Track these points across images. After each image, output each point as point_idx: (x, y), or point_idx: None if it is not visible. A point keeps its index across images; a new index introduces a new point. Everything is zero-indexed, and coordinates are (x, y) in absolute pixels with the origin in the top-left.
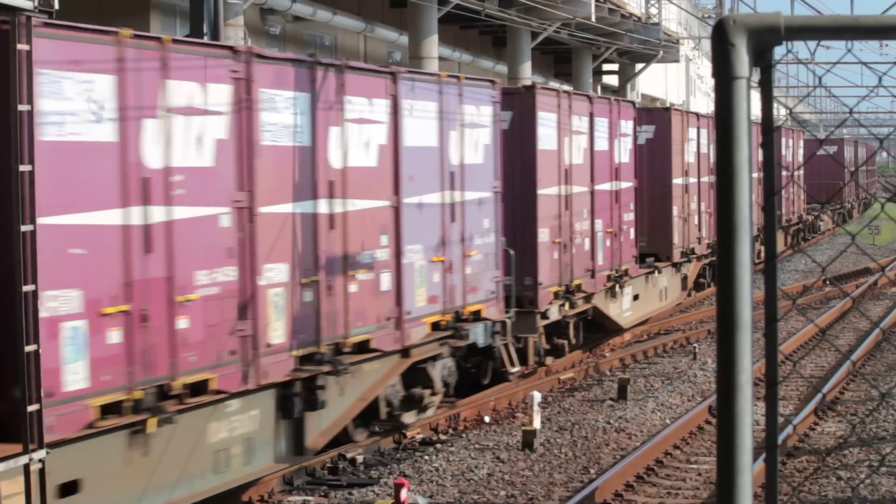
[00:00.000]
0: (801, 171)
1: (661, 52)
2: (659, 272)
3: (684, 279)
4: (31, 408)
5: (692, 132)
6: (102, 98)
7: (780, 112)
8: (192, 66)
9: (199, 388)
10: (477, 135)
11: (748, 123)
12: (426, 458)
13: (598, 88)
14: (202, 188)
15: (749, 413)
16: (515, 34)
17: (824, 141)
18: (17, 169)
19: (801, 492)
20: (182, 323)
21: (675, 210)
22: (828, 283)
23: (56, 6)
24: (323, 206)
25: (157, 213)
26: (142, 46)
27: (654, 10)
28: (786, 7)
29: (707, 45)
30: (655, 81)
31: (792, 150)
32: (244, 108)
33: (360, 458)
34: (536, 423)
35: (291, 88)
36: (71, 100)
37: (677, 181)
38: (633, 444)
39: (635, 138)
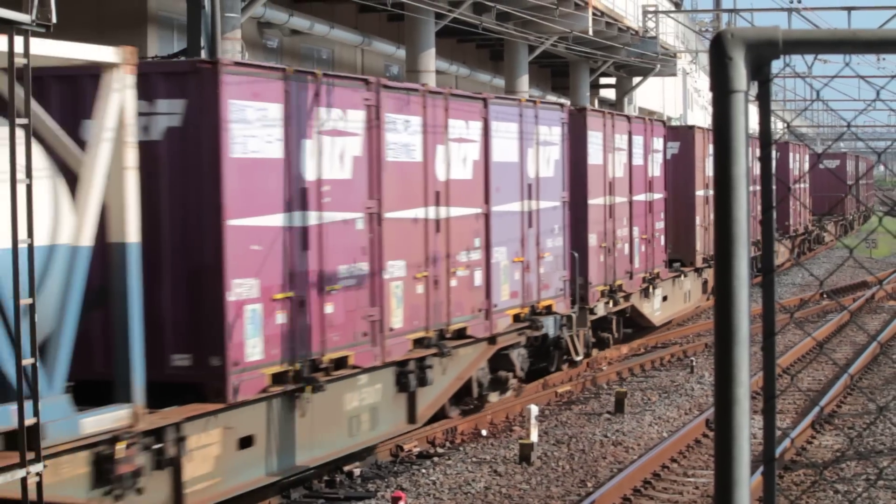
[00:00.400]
0: (807, 185)
1: (659, 66)
2: (684, 276)
3: (705, 283)
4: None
5: (712, 148)
6: (273, 122)
7: (777, 126)
8: (336, 95)
9: (340, 363)
10: (549, 151)
11: (746, 137)
12: (423, 471)
13: (596, 102)
14: (343, 197)
15: (747, 426)
16: (512, 48)
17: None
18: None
19: None
20: (329, 308)
21: (698, 219)
22: (825, 296)
23: (54, 20)
24: (431, 213)
25: (312, 217)
26: (301, 80)
27: (651, 24)
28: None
29: (704, 58)
30: (653, 95)
31: (799, 164)
32: (374, 130)
33: (357, 472)
34: (534, 437)
35: (408, 113)
36: (251, 124)
37: (699, 193)
38: (631, 458)
39: (665, 154)
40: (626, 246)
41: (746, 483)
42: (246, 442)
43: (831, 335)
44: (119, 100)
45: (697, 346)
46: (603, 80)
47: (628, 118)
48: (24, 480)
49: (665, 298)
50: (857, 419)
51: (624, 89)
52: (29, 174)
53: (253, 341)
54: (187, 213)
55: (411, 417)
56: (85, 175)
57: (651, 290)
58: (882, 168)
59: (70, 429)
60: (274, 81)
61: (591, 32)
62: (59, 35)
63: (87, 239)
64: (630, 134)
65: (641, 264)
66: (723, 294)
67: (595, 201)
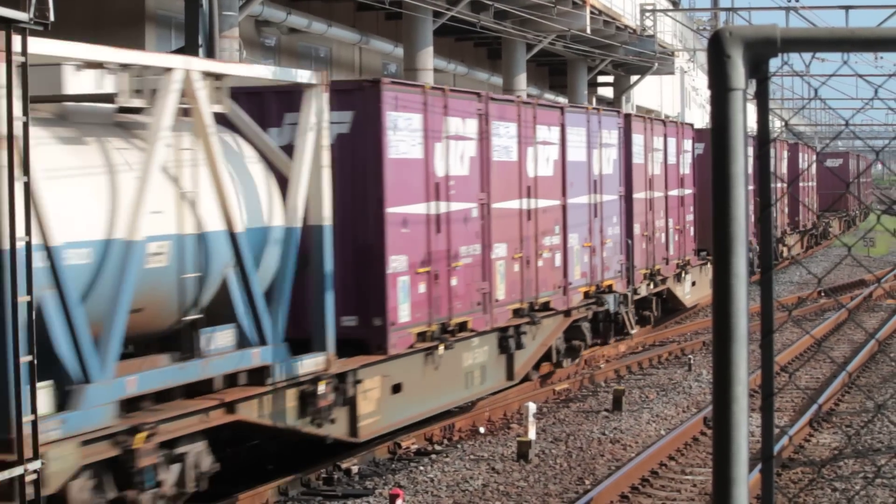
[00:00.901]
0: (815, 183)
1: (657, 65)
2: (710, 264)
3: None
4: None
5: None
6: (416, 129)
7: (775, 125)
8: (458, 106)
9: (461, 327)
10: (609, 152)
11: (745, 135)
12: (421, 468)
13: (594, 100)
14: (463, 190)
15: (745, 424)
16: (510, 46)
17: (820, 153)
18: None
19: (796, 503)
20: (454, 281)
21: None
22: (823, 294)
23: (52, 18)
24: (524, 204)
25: (442, 207)
26: (434, 94)
27: (649, 23)
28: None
29: (702, 57)
30: (650, 93)
31: (807, 164)
32: (484, 135)
33: (355, 469)
34: (531, 434)
35: (507, 120)
36: (401, 131)
37: None
38: (629, 456)
39: (693, 154)
40: (663, 235)
41: (744, 481)
42: (397, 388)
43: (829, 333)
44: (318, 113)
45: (695, 344)
46: (601, 79)
47: (664, 122)
48: (21, 478)
49: (694, 283)
50: (855, 417)
51: (622, 88)
52: (27, 172)
53: (403, 306)
54: (355, 202)
55: (510, 375)
56: (294, 173)
57: (683, 274)
58: (880, 167)
59: (289, 370)
60: (416, 95)
61: (588, 31)
62: (56, 34)
63: (298, 221)
64: (665, 136)
65: (675, 251)
66: (721, 292)
67: (638, 195)
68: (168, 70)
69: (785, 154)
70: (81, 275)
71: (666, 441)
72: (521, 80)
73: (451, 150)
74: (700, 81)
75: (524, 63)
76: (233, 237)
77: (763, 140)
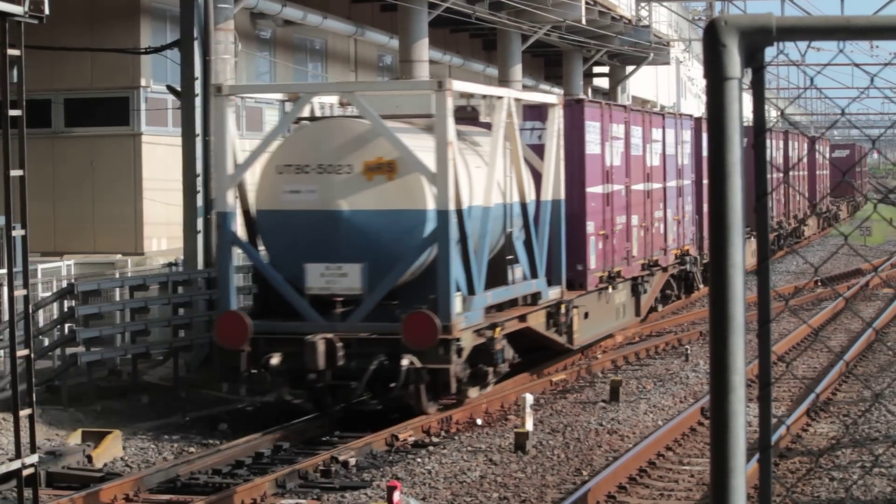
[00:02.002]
0: (827, 171)
1: (652, 55)
2: (752, 237)
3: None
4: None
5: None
6: (596, 133)
7: (771, 114)
8: (615, 115)
9: (617, 275)
10: (686, 147)
11: (740, 124)
12: (419, 460)
13: (589, 91)
14: (618, 176)
15: (742, 414)
16: (506, 37)
17: (815, 141)
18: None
19: (794, 493)
20: (614, 241)
21: None
22: (820, 283)
23: (47, 12)
24: (646, 186)
25: (608, 188)
26: (605, 108)
27: (644, 13)
28: (776, 9)
29: (697, 47)
30: (646, 84)
31: (822, 155)
32: (627, 136)
33: (352, 461)
34: (529, 426)
35: (637, 125)
36: (591, 134)
37: None
38: (626, 446)
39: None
40: (688, 218)
41: (742, 471)
42: (586, 315)
43: (826, 322)
44: (557, 123)
45: (692, 335)
46: (596, 69)
47: (695, 118)
48: (19, 472)
49: None
50: (852, 406)
51: (617, 78)
52: (22, 165)
53: (592, 257)
54: (568, 183)
55: (637, 313)
56: (546, 165)
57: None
58: (876, 155)
59: (546, 296)
60: (597, 109)
61: (584, 21)
62: (52, 27)
63: (553, 195)
64: (694, 129)
65: (697, 233)
66: (718, 282)
67: (706, 181)
68: (500, 98)
69: (803, 146)
70: (474, 228)
71: (663, 431)
72: (517, 71)
73: (613, 147)
74: (696, 71)
75: (519, 54)
76: (523, 207)
77: (759, 129)
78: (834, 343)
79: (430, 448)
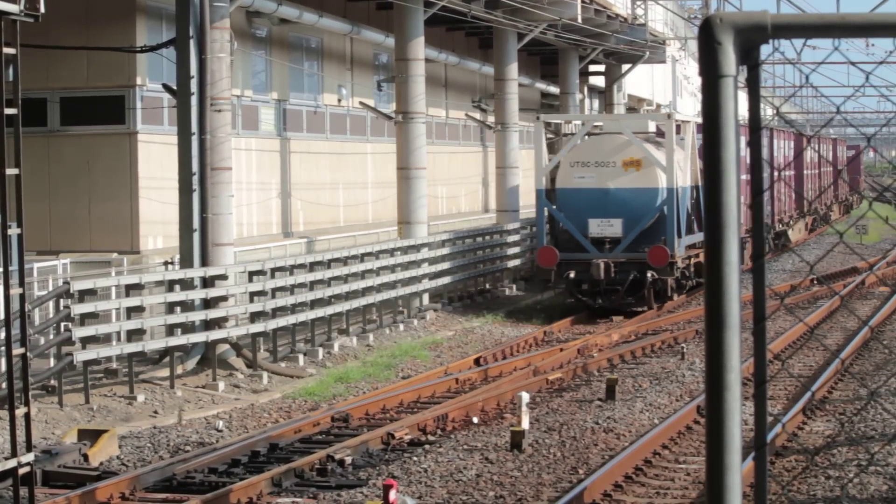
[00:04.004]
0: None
1: (648, 53)
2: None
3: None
4: None
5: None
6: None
7: (766, 112)
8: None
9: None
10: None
11: (736, 122)
12: (415, 458)
13: (585, 89)
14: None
15: (738, 412)
16: (502, 36)
17: (809, 139)
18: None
19: (790, 491)
20: None
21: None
22: (816, 282)
23: (42, 10)
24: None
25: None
26: (780, 133)
27: (640, 11)
28: (771, 7)
29: (693, 45)
30: (642, 82)
31: (842, 155)
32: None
33: (348, 460)
34: (525, 424)
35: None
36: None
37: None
38: (622, 445)
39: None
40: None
41: (738, 469)
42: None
43: (822, 321)
44: (692, 135)
45: (688, 333)
46: (592, 68)
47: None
48: (15, 470)
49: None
50: (848, 405)
51: (613, 77)
52: (18, 164)
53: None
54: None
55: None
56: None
57: (792, 223)
58: (871, 154)
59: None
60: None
61: (580, 20)
62: (47, 25)
63: (686, 182)
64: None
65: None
66: (713, 280)
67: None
68: (688, 122)
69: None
70: (681, 199)
71: (659, 430)
72: (513, 70)
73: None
74: (691, 70)
75: (515, 52)
76: (697, 188)
77: (754, 127)
78: (830, 341)
79: (427, 447)
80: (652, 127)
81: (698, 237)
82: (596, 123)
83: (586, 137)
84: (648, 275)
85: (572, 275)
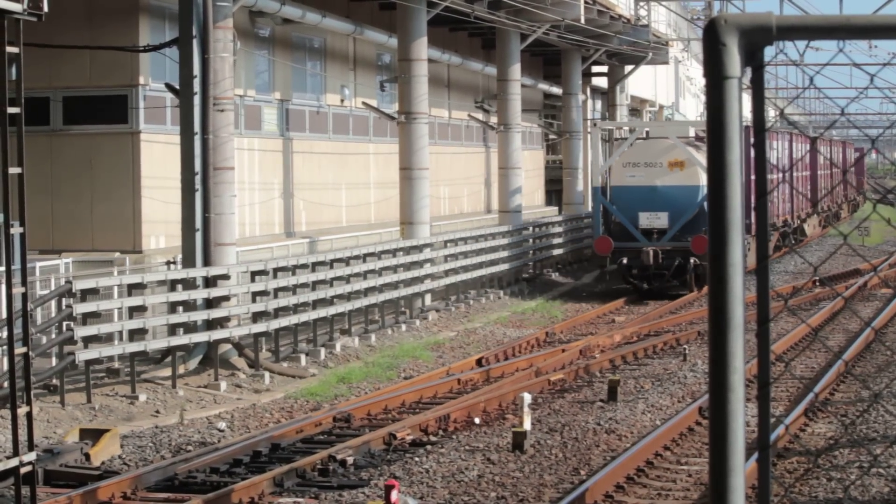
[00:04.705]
0: (854, 169)
1: (651, 54)
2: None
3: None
4: None
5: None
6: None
7: (770, 114)
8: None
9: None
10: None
11: (740, 123)
12: (416, 459)
13: (588, 90)
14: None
15: (741, 413)
16: (505, 36)
17: (813, 140)
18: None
19: (792, 492)
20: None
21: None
22: (819, 283)
23: (45, 9)
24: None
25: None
26: (789, 137)
27: (643, 12)
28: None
29: (696, 46)
30: (645, 83)
31: (840, 156)
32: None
33: (350, 460)
34: (527, 425)
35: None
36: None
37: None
38: (624, 446)
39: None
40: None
41: (741, 470)
42: None
43: (824, 322)
44: None
45: (690, 334)
46: (595, 69)
47: (812, 139)
48: (17, 469)
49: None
50: (850, 406)
51: (616, 78)
52: (21, 163)
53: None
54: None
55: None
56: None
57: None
58: (873, 155)
59: None
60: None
61: (583, 20)
62: (50, 24)
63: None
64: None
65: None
66: (717, 281)
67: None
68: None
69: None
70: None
71: (661, 431)
72: (516, 71)
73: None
74: (695, 71)
75: (518, 53)
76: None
77: (759, 128)
78: (832, 343)
79: (428, 447)
80: (692, 132)
81: None
82: (644, 129)
83: (637, 141)
84: (691, 261)
85: (625, 261)
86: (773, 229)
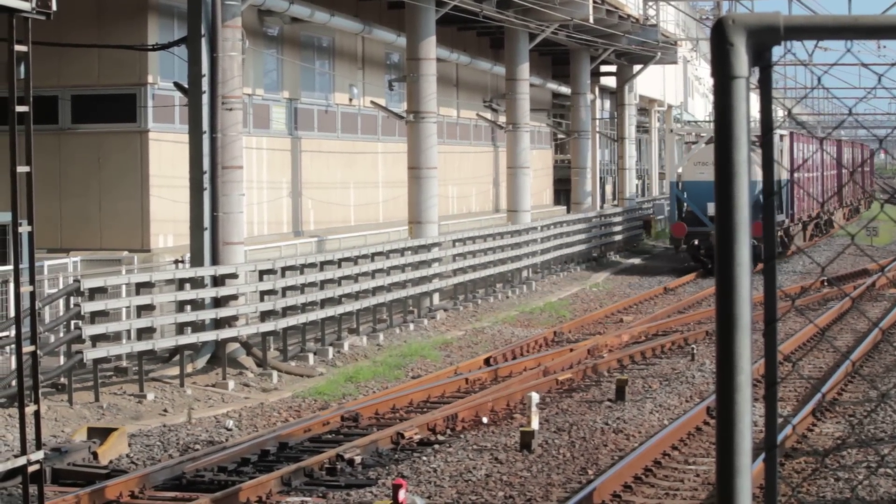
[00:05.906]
0: (870, 168)
1: (659, 54)
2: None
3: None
4: None
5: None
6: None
7: (778, 114)
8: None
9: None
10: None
11: (747, 123)
12: (424, 458)
13: (596, 90)
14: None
15: (748, 413)
16: (513, 35)
17: (820, 141)
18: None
19: (799, 492)
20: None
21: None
22: (826, 283)
23: (54, 8)
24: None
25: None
26: (807, 140)
27: (651, 12)
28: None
29: (705, 46)
30: (653, 83)
31: (854, 157)
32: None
33: (357, 459)
34: (534, 424)
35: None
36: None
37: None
38: (632, 445)
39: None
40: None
41: (748, 470)
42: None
43: (832, 322)
44: (777, 142)
45: (698, 334)
46: (603, 68)
47: (838, 142)
48: (25, 468)
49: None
50: (858, 406)
51: (624, 77)
52: (29, 162)
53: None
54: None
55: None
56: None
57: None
58: (882, 156)
59: (783, 221)
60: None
61: (591, 20)
62: (59, 23)
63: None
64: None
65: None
66: (724, 281)
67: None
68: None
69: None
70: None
71: (669, 431)
72: (524, 70)
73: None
74: (703, 71)
75: (527, 53)
76: (779, 182)
77: (766, 128)
78: (840, 343)
79: (436, 446)
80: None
81: (781, 217)
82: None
83: (703, 145)
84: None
85: (696, 242)
86: (810, 220)
